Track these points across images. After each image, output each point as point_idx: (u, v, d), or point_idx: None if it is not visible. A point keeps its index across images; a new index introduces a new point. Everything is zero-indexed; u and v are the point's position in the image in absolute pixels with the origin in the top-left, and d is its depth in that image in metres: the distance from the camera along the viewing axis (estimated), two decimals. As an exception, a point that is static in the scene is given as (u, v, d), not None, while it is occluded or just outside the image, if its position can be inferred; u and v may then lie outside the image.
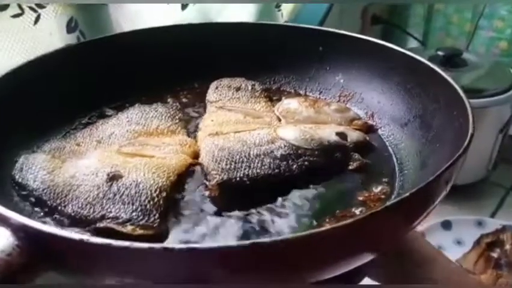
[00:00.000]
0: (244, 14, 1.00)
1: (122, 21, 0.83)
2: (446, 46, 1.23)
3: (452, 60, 1.12)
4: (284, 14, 1.10)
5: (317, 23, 1.17)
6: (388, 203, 0.29)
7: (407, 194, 0.30)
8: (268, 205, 0.43)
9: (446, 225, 1.10)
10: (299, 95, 0.62)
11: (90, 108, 0.56)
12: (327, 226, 0.27)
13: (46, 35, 0.72)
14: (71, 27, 0.74)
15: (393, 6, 1.40)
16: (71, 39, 0.74)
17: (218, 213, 0.42)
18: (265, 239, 0.26)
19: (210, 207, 0.43)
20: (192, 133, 0.54)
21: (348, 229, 0.27)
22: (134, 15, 0.84)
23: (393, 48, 0.55)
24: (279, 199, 0.44)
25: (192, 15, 0.91)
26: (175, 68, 0.62)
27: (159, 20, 0.86)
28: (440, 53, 1.12)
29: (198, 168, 0.48)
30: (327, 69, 0.62)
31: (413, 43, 1.41)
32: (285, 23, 0.67)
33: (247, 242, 0.26)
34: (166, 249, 0.26)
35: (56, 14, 0.73)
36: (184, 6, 0.88)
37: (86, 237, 0.27)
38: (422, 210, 0.33)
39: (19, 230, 0.29)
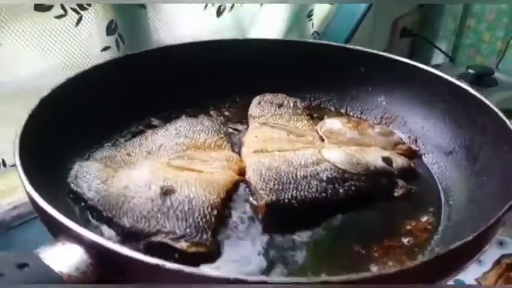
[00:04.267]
0: (276, 22, 1.00)
1: (160, 26, 0.84)
2: (477, 64, 1.23)
3: (483, 79, 1.11)
4: (315, 23, 1.11)
5: (348, 34, 1.17)
6: (453, 246, 0.30)
7: (470, 238, 0.30)
8: (314, 228, 0.44)
9: (467, 243, 1.10)
10: (340, 113, 0.63)
11: (137, 118, 0.58)
12: (402, 265, 0.27)
13: (86, 36, 0.73)
14: (110, 29, 0.76)
15: (424, 19, 1.39)
16: (110, 41, 0.76)
17: (265, 234, 0.43)
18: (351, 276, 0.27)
19: (257, 227, 0.44)
20: (236, 148, 0.55)
21: (420, 268, 0.28)
22: (172, 21, 0.85)
23: (439, 75, 0.55)
24: (325, 223, 0.44)
25: (226, 22, 0.92)
26: (217, 81, 0.63)
27: (195, 26, 0.87)
28: (470, 71, 1.12)
29: (242, 184, 0.49)
30: (369, 90, 0.62)
31: (440, 57, 1.41)
32: (329, 43, 0.67)
33: (318, 279, 0.27)
34: (239, 280, 0.27)
35: (97, 16, 0.74)
36: (219, 13, 0.89)
37: (162, 262, 0.28)
38: (478, 250, 0.34)
39: (93, 248, 0.30)
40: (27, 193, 0.34)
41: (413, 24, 1.38)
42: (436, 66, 1.29)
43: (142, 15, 0.80)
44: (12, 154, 0.59)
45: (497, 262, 1.06)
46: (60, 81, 0.50)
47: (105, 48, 0.74)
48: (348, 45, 0.64)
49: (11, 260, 0.27)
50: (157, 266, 0.28)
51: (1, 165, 0.63)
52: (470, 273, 1.01)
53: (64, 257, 0.30)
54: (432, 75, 0.56)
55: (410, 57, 1.45)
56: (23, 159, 0.39)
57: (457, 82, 0.53)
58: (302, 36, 1.07)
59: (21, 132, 0.42)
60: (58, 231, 0.32)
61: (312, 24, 1.10)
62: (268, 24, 0.99)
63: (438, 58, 1.42)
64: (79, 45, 0.72)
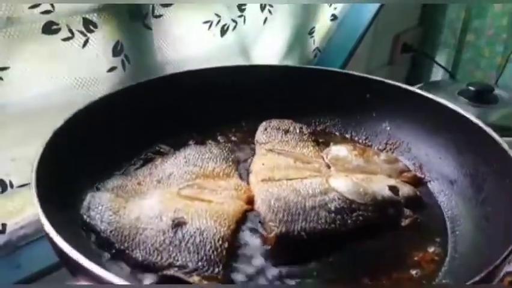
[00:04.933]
0: (278, 40, 1.02)
1: (165, 46, 0.85)
2: (477, 80, 1.24)
3: (483, 95, 1.12)
4: (316, 40, 1.12)
5: (349, 50, 1.18)
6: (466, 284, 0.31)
7: (477, 278, 0.31)
8: (323, 260, 0.44)
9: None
10: (345, 138, 0.64)
11: (145, 145, 0.59)
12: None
13: (93, 57, 0.74)
14: (116, 50, 0.77)
15: (424, 35, 1.41)
16: (116, 62, 0.77)
17: (275, 265, 0.44)
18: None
19: (267, 258, 0.44)
20: (244, 175, 0.56)
21: None
22: (176, 41, 0.86)
23: (443, 103, 0.56)
24: (333, 254, 0.45)
25: (229, 41, 0.93)
26: (223, 106, 0.64)
27: (199, 46, 0.88)
28: (471, 88, 1.12)
29: (249, 212, 0.50)
30: (373, 115, 0.63)
31: (440, 72, 1.42)
32: (334, 69, 0.68)
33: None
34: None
35: (103, 38, 0.75)
36: (223, 33, 0.91)
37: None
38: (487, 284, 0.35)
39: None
40: (46, 232, 0.35)
41: (413, 40, 1.39)
42: (436, 83, 1.31)
43: (148, 35, 0.81)
44: (19, 176, 0.60)
45: (501, 280, 1.06)
46: (72, 113, 0.51)
47: (111, 69, 0.75)
48: (353, 72, 0.64)
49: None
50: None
51: (8, 186, 0.64)
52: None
53: (83, 300, 0.31)
54: (436, 103, 0.56)
55: (410, 73, 1.47)
56: (40, 194, 0.39)
57: (461, 111, 0.53)
58: (304, 53, 1.08)
59: (37, 166, 0.43)
60: (77, 272, 0.33)
61: (314, 41, 1.11)
62: (271, 42, 1.00)
63: (439, 73, 1.43)
64: (86, 66, 0.73)
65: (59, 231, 0.35)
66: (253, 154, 0.60)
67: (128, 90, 0.60)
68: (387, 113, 0.62)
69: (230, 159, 0.57)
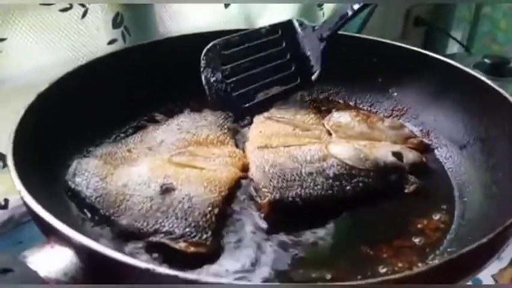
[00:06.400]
0: (286, 12, 0.98)
1: (166, 18, 0.82)
2: (493, 53, 1.19)
3: (499, 68, 1.08)
4: (326, 12, 1.08)
5: (360, 23, 1.14)
6: (466, 249, 0.28)
7: (485, 240, 0.28)
8: (320, 228, 0.42)
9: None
10: (349, 106, 0.61)
11: (139, 113, 0.56)
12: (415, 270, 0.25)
13: (92, 29, 0.72)
14: (116, 22, 0.74)
15: (438, 8, 1.35)
16: (116, 34, 0.74)
17: (268, 233, 0.41)
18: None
19: (260, 226, 0.42)
20: (240, 143, 0.53)
21: (431, 272, 0.27)
22: (178, 13, 0.83)
23: (453, 64, 0.52)
24: (331, 222, 0.42)
25: (234, 13, 0.90)
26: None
27: (202, 17, 0.85)
28: (486, 60, 1.08)
29: (245, 180, 0.47)
30: (379, 80, 0.60)
31: (455, 47, 1.37)
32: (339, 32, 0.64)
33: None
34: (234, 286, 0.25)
35: (103, 9, 0.73)
36: (227, 4, 0.87)
37: (153, 266, 0.26)
38: (494, 252, 0.32)
39: (83, 252, 0.29)
40: (18, 191, 0.33)
41: (426, 13, 1.34)
42: (451, 56, 1.26)
43: (148, 7, 0.78)
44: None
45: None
46: (58, 76, 0.49)
47: (111, 41, 0.73)
48: (357, 35, 0.61)
49: (-6, 264, 0.26)
50: (147, 271, 0.26)
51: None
52: (487, 269, 0.98)
53: (52, 261, 0.28)
54: (446, 64, 0.53)
55: (424, 47, 1.41)
56: (17, 155, 0.38)
57: (472, 72, 0.50)
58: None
59: (17, 127, 0.41)
60: (48, 233, 0.31)
61: (323, 13, 1.07)
62: (277, 14, 0.97)
63: (453, 47, 1.38)
64: (85, 38, 0.71)
65: (33, 190, 0.33)
66: (251, 122, 0.57)
67: (120, 54, 0.57)
68: (394, 78, 0.58)
69: (225, 126, 0.54)
